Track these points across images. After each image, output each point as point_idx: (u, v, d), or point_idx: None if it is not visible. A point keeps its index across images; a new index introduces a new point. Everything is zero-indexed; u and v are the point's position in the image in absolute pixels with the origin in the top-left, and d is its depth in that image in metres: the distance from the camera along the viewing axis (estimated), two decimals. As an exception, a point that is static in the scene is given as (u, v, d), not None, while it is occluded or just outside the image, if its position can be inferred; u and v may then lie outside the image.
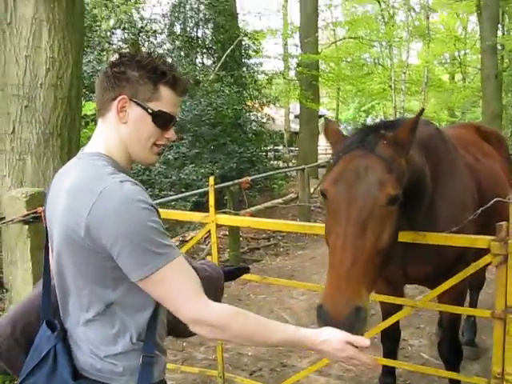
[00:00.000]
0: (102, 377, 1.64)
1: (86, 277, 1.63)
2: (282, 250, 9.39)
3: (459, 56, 33.67)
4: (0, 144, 5.52)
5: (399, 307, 3.25)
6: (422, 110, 2.44)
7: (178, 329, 1.96)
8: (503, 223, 2.54)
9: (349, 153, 2.34)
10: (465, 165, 3.22)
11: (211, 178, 3.45)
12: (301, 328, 1.75)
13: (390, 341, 3.55)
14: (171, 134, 1.79)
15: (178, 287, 1.58)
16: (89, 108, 9.49)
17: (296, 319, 5.80)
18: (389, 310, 3.34)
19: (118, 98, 1.68)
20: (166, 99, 1.72)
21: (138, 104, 1.69)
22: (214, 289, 2.07)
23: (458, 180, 3.06)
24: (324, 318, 2.00)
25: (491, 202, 2.70)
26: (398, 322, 3.50)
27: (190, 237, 8.13)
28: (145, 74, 1.68)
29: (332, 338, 1.71)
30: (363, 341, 1.71)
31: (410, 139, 2.41)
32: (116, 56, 1.76)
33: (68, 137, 5.51)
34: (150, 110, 1.70)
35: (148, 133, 1.72)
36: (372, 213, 2.15)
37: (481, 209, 2.72)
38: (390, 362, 3.39)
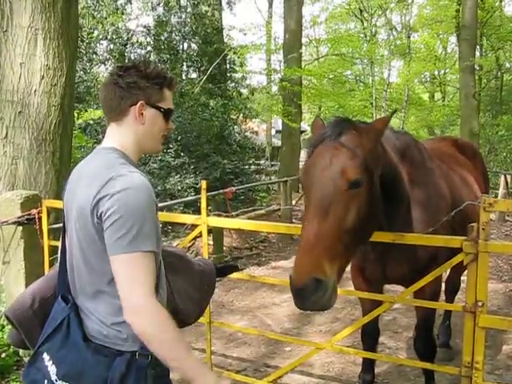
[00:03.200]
0: (108, 342, 1.87)
1: (93, 254, 1.87)
2: (264, 259, 9.57)
3: (439, 75, 34.37)
4: (-7, 148, 5.66)
5: (379, 306, 3.45)
6: (395, 111, 2.71)
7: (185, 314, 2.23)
8: (474, 224, 2.77)
9: (320, 143, 2.61)
10: (440, 173, 3.46)
11: (203, 182, 3.65)
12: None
13: (370, 338, 3.75)
14: (171, 124, 2.15)
15: (138, 275, 1.78)
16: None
17: (278, 324, 5.98)
18: (369, 308, 3.54)
19: (138, 104, 2.00)
20: (167, 98, 2.09)
21: (153, 106, 2.03)
22: (206, 282, 2.37)
23: (433, 186, 3.30)
24: (291, 286, 2.35)
25: (464, 205, 2.95)
26: (377, 320, 3.72)
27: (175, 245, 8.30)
28: (152, 81, 2.01)
29: None
30: None
31: (381, 131, 2.67)
32: (120, 69, 2.04)
33: (60, 143, 5.67)
34: (162, 110, 2.05)
35: (160, 127, 2.08)
36: (334, 198, 2.42)
37: (454, 211, 2.95)
38: (369, 355, 3.58)
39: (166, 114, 2.07)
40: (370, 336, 3.75)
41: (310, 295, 2.26)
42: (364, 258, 3.45)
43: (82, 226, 1.87)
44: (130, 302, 1.77)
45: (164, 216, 4.12)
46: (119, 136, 2.03)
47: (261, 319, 6.18)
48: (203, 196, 3.60)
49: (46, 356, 1.91)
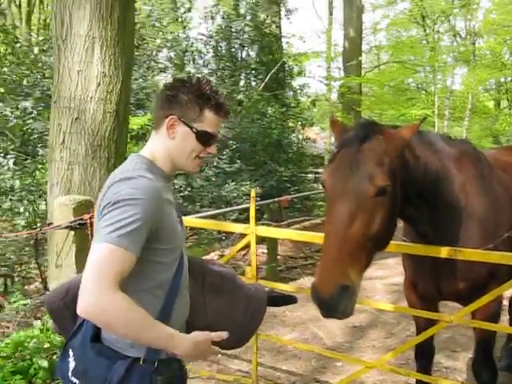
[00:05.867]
0: (116, 346, 1.90)
1: None
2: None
3: (505, 82, 33.19)
4: (50, 153, 5.79)
5: (433, 324, 3.27)
6: (424, 118, 2.61)
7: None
8: (539, 241, 2.56)
9: (345, 146, 2.51)
10: (501, 184, 3.24)
11: (253, 190, 3.58)
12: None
13: (424, 357, 3.55)
14: (213, 149, 2.11)
15: (103, 265, 1.73)
16: (134, 123, 9.78)
17: (330, 337, 5.81)
18: (423, 326, 3.36)
19: (169, 118, 2.00)
20: (209, 121, 2.04)
21: (185, 123, 2.01)
22: (253, 308, 2.27)
23: (492, 198, 3.09)
24: (315, 296, 2.28)
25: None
26: (432, 339, 3.51)
27: (228, 252, 8.26)
28: (193, 98, 2.00)
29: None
30: (223, 334, 1.99)
31: (406, 138, 2.56)
32: (171, 80, 2.11)
33: (115, 149, 5.73)
34: (194, 130, 2.01)
35: (191, 147, 2.04)
36: (361, 204, 2.34)
37: (517, 227, 2.75)
38: (422, 377, 3.39)
39: (201, 136, 2.02)
40: (424, 355, 3.55)
41: (336, 305, 2.23)
42: (416, 272, 3.28)
43: (96, 229, 1.92)
44: (85, 290, 1.73)
45: (213, 224, 4.09)
46: (152, 144, 2.07)
47: (312, 331, 6.02)
48: (252, 205, 3.52)
49: (70, 352, 1.98)
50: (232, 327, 2.21)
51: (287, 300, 2.59)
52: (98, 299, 1.71)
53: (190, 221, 4.16)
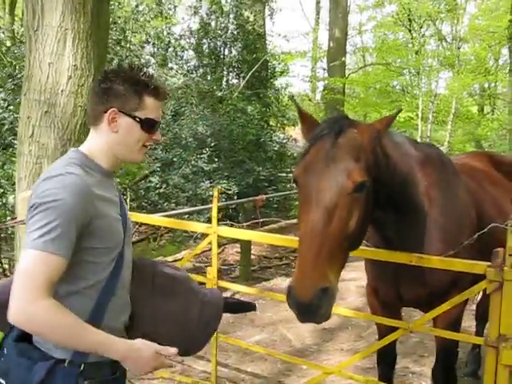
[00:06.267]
0: (42, 346, 1.82)
1: None
2: (293, 270, 9.34)
3: (489, 87, 33.41)
4: (19, 147, 5.65)
5: (395, 330, 3.22)
6: (400, 110, 2.53)
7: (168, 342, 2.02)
8: (500, 249, 2.52)
9: (319, 140, 2.40)
10: (466, 190, 3.19)
11: (215, 190, 3.50)
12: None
13: (385, 364, 3.50)
14: (157, 135, 2.04)
15: (34, 274, 1.67)
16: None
17: (299, 339, 5.76)
18: (384, 332, 3.31)
19: (109, 111, 1.92)
20: (150, 107, 1.97)
21: (127, 114, 1.94)
22: (208, 314, 2.17)
23: (455, 203, 3.04)
24: (293, 300, 2.15)
25: (488, 228, 2.70)
26: (394, 345, 3.46)
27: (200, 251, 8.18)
28: (129, 87, 1.92)
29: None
30: (171, 350, 1.87)
31: (382, 131, 2.48)
32: (103, 73, 1.99)
33: (85, 143, 5.61)
34: (137, 119, 1.94)
35: (137, 137, 1.97)
36: (339, 201, 2.23)
37: (477, 234, 2.70)
38: (380, 385, 3.34)
39: (146, 124, 1.96)
40: (385, 362, 3.50)
41: (317, 309, 2.12)
42: (378, 277, 3.22)
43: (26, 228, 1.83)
44: (13, 297, 1.68)
45: (175, 223, 3.99)
46: (91, 141, 2.00)
47: (282, 333, 5.97)
48: (214, 205, 3.44)
49: (5, 351, 1.90)
50: (183, 333, 2.12)
51: (245, 307, 2.51)
52: (25, 307, 1.66)
53: (155, 219, 4.08)
